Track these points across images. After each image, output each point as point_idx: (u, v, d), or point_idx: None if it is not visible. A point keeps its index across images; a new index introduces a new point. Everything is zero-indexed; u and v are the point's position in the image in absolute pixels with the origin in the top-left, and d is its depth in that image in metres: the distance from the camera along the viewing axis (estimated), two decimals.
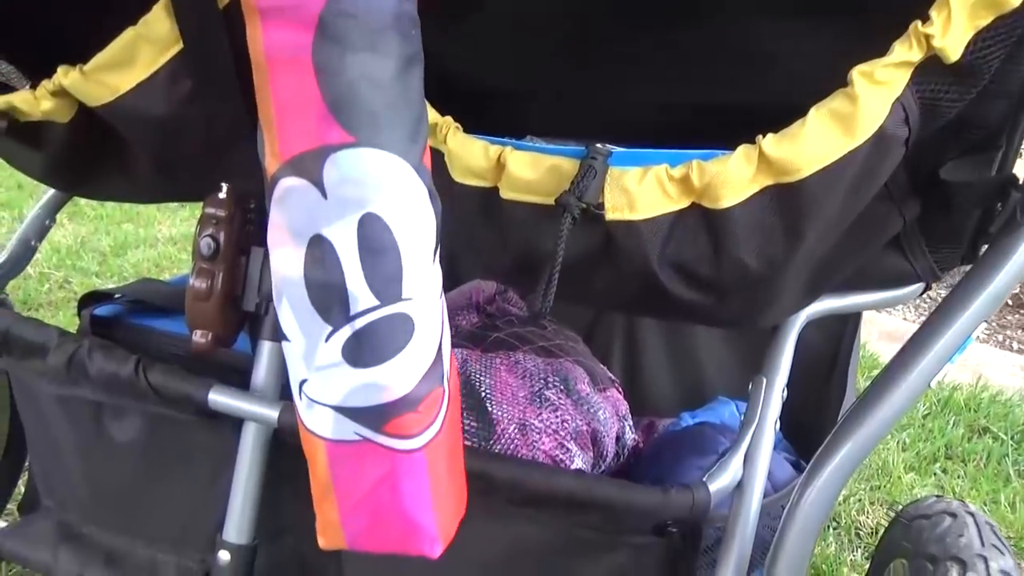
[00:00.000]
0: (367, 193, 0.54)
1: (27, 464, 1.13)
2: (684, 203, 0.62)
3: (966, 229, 0.69)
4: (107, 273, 2.32)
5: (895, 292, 0.75)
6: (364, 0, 0.52)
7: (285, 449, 0.78)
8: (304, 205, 0.55)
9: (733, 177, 0.60)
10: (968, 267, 0.70)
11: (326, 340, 0.56)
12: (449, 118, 0.70)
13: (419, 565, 0.63)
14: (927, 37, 0.56)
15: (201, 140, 0.71)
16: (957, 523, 0.79)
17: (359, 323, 0.56)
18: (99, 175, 0.81)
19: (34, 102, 0.71)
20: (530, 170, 0.65)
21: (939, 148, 0.64)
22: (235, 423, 0.78)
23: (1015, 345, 2.53)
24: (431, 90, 0.59)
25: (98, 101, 0.69)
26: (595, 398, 0.93)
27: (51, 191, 1.05)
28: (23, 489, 1.13)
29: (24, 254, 1.05)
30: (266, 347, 0.77)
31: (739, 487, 0.69)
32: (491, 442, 0.85)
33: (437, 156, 0.69)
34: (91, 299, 1.01)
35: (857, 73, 0.57)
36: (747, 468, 0.70)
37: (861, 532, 1.46)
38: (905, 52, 0.56)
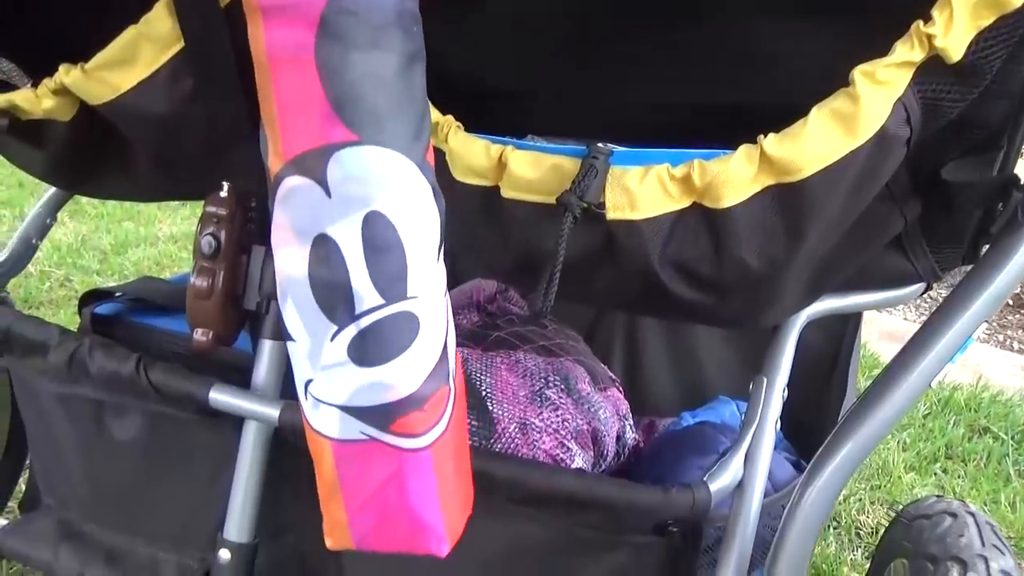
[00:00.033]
0: (371, 191, 0.54)
1: (28, 462, 1.13)
2: (685, 203, 0.62)
3: (967, 229, 0.69)
4: (108, 271, 2.32)
5: (896, 292, 0.75)
6: None
7: (286, 448, 0.78)
8: (308, 204, 0.55)
9: (734, 177, 0.60)
10: (969, 267, 0.70)
11: (331, 339, 0.56)
12: (450, 117, 0.70)
13: (420, 563, 0.63)
14: (929, 37, 0.56)
15: (202, 139, 0.71)
16: (957, 523, 0.79)
17: (364, 322, 0.55)
18: (100, 174, 0.81)
19: (35, 100, 0.71)
20: (531, 169, 0.65)
21: (941, 148, 0.64)
22: (236, 422, 0.77)
23: (1016, 345, 2.53)
24: (432, 89, 0.59)
25: (99, 99, 0.69)
26: (596, 397, 0.93)
27: (52, 189, 1.05)
28: (24, 487, 1.13)
29: (25, 252, 1.05)
30: (267, 346, 0.77)
31: (740, 487, 0.69)
32: (492, 441, 0.85)
33: (438, 155, 0.69)
34: (92, 297, 1.01)
35: (859, 73, 0.57)
36: (748, 468, 0.70)
37: (861, 532, 1.46)
38: (907, 52, 0.56)
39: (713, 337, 1.30)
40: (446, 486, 0.61)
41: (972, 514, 0.80)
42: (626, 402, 0.99)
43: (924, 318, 0.70)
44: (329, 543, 0.63)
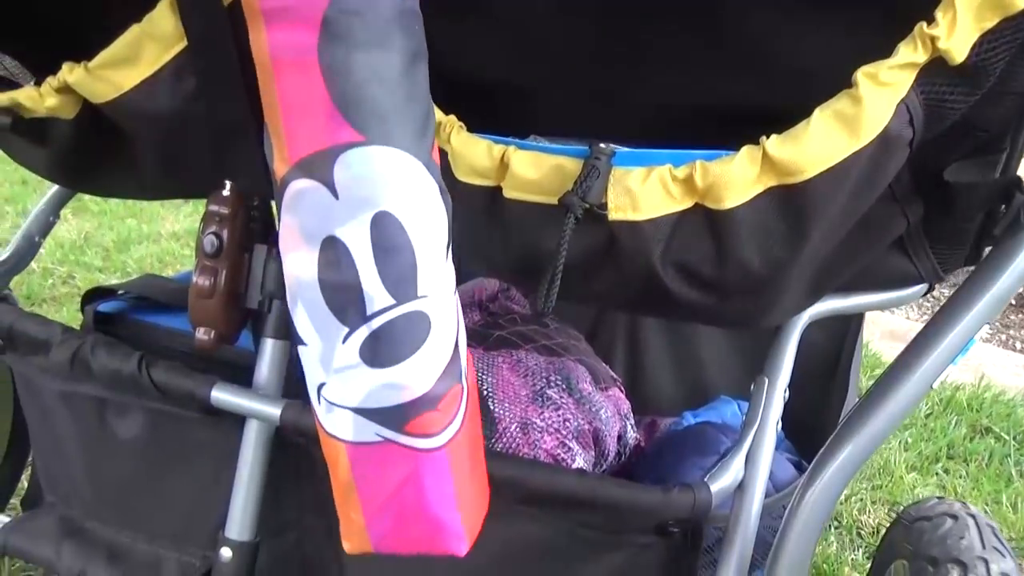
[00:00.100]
0: (379, 192, 0.54)
1: (30, 459, 1.13)
2: (687, 203, 0.62)
3: (970, 231, 0.69)
4: (111, 269, 2.32)
5: (898, 293, 0.75)
6: None
7: (287, 447, 0.78)
8: (316, 207, 0.54)
9: (737, 178, 0.60)
10: (972, 268, 0.70)
11: (343, 342, 0.56)
12: (453, 117, 0.70)
13: (421, 563, 0.63)
14: (932, 39, 0.56)
15: (205, 137, 0.71)
16: (958, 525, 0.79)
17: (376, 323, 0.55)
18: (103, 172, 0.81)
19: (38, 99, 0.71)
20: (533, 169, 0.65)
21: (943, 150, 0.64)
22: (238, 420, 0.78)
23: (1018, 345, 2.53)
24: (435, 89, 0.59)
25: (103, 98, 0.69)
26: (597, 397, 0.93)
27: (55, 187, 1.05)
28: (26, 484, 1.14)
29: (28, 250, 1.05)
30: (269, 344, 0.77)
31: (740, 487, 0.69)
32: (493, 441, 0.85)
33: (441, 155, 0.69)
34: (95, 295, 1.01)
35: (862, 74, 0.57)
36: (749, 468, 0.70)
37: (862, 532, 1.46)
38: (910, 54, 0.56)
39: (715, 337, 1.30)
40: (463, 485, 0.61)
41: (973, 516, 0.80)
42: (627, 402, 0.99)
43: (926, 318, 0.70)
44: (347, 547, 0.62)
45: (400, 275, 0.55)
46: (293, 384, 0.79)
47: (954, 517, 0.80)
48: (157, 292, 1.01)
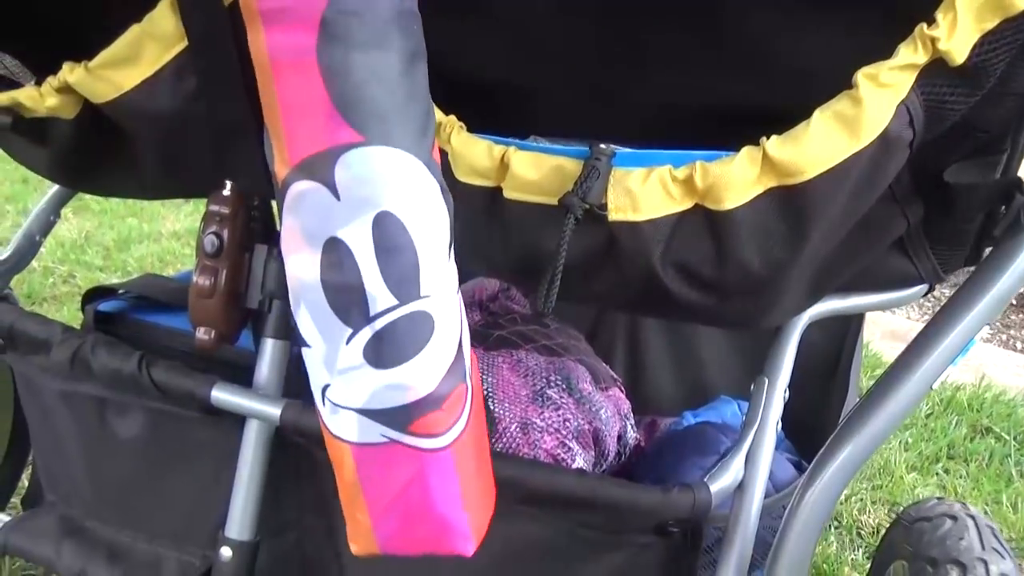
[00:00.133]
0: (380, 192, 0.54)
1: (31, 459, 1.13)
2: (687, 204, 0.62)
3: (970, 232, 0.69)
4: (111, 268, 2.32)
5: (898, 293, 0.75)
6: None
7: (287, 446, 0.78)
8: (317, 208, 0.54)
9: (737, 179, 0.60)
10: (972, 268, 0.70)
11: (347, 343, 0.56)
12: (453, 117, 0.70)
13: (422, 562, 0.63)
14: (932, 40, 0.56)
15: (206, 137, 0.71)
16: (958, 526, 0.79)
17: (379, 323, 0.55)
18: (104, 171, 0.81)
19: (39, 98, 0.71)
20: (534, 170, 0.65)
21: (944, 150, 0.64)
22: (238, 420, 0.78)
23: (1019, 345, 2.53)
24: (434, 89, 0.59)
25: (103, 98, 0.69)
26: (597, 397, 0.93)
27: (55, 187, 1.05)
28: (26, 483, 1.14)
29: (29, 249, 1.05)
30: (269, 344, 0.77)
31: (740, 487, 0.69)
32: (493, 441, 0.85)
33: (441, 155, 0.69)
34: (95, 294, 1.01)
35: (862, 75, 0.57)
36: (748, 468, 0.70)
37: (863, 532, 1.46)
38: (910, 55, 0.56)
39: (715, 337, 1.30)
40: (469, 484, 0.60)
41: (972, 517, 0.80)
42: (628, 401, 0.99)
43: (927, 317, 0.70)
44: (354, 549, 0.62)
45: (403, 275, 0.55)
46: (293, 384, 0.80)
47: (954, 518, 0.80)
48: (157, 291, 1.01)
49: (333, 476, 0.78)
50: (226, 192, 0.74)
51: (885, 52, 0.57)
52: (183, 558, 0.87)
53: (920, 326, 0.70)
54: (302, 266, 0.56)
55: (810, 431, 1.00)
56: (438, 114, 0.69)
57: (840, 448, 0.67)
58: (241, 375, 0.79)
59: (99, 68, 0.68)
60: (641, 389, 1.27)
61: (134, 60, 0.67)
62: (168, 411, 0.83)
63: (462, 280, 1.02)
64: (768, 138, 0.59)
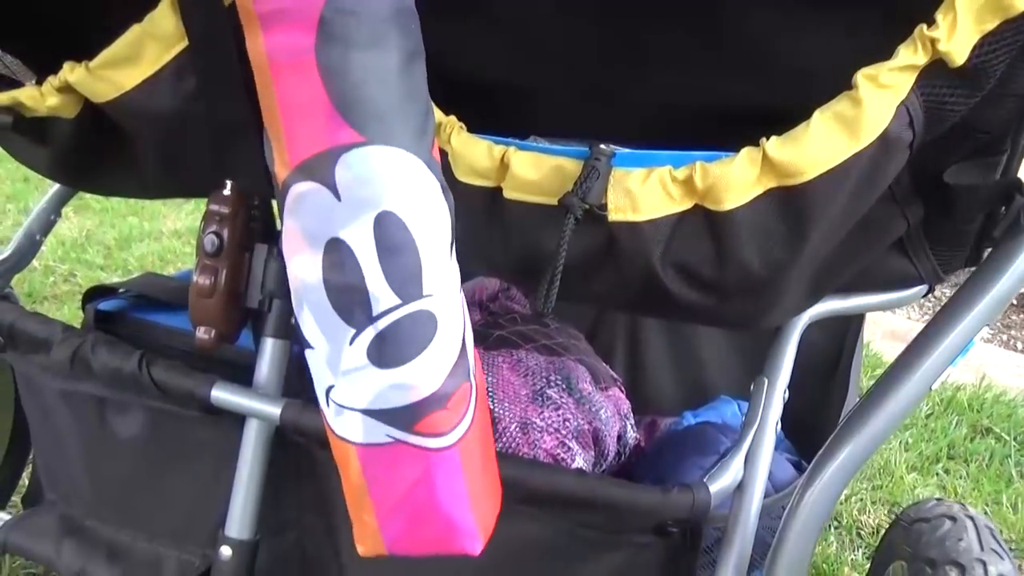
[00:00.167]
0: (381, 191, 0.54)
1: (31, 457, 1.14)
2: (687, 204, 0.62)
3: (970, 232, 0.69)
4: (112, 266, 2.32)
5: (898, 294, 0.75)
6: None
7: (287, 446, 0.79)
8: (318, 209, 0.54)
9: (736, 179, 0.60)
10: (972, 268, 0.70)
11: (350, 343, 0.56)
12: (453, 117, 0.70)
13: (422, 562, 0.63)
14: (932, 41, 0.56)
15: (206, 137, 0.71)
16: (957, 527, 0.79)
17: (382, 323, 0.55)
18: (104, 171, 0.81)
19: (39, 98, 0.71)
20: (534, 170, 0.65)
21: (943, 151, 0.64)
22: (238, 419, 0.78)
23: (1019, 345, 2.53)
24: (435, 90, 0.59)
25: (103, 97, 0.69)
26: (597, 397, 0.93)
27: (56, 186, 1.05)
28: (27, 482, 1.14)
29: (29, 248, 1.05)
30: (269, 344, 0.78)
31: (740, 487, 0.69)
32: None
33: (441, 155, 0.69)
34: (96, 294, 1.01)
35: (862, 76, 0.57)
36: (748, 469, 0.70)
37: (862, 532, 1.46)
38: (910, 56, 0.56)
39: (715, 337, 1.30)
40: (475, 483, 0.60)
41: (971, 518, 0.80)
42: (628, 401, 0.99)
43: (928, 318, 0.70)
44: (361, 550, 0.62)
45: (405, 275, 0.55)
46: (293, 383, 0.80)
47: (952, 519, 0.80)
48: (158, 291, 1.01)
49: (333, 475, 0.79)
50: (226, 192, 0.74)
51: (885, 53, 0.57)
52: (183, 557, 0.87)
53: (921, 326, 0.70)
54: (304, 267, 0.56)
55: (810, 431, 1.00)
56: (438, 114, 0.70)
57: (840, 448, 0.67)
58: (241, 374, 0.79)
59: (100, 68, 0.68)
60: (641, 389, 1.27)
61: (135, 60, 0.67)
62: (168, 410, 0.83)
63: (462, 280, 1.02)
64: (768, 139, 0.59)
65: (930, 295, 0.75)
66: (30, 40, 0.85)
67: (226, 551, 0.78)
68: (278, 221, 0.59)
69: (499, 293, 1.13)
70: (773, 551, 0.68)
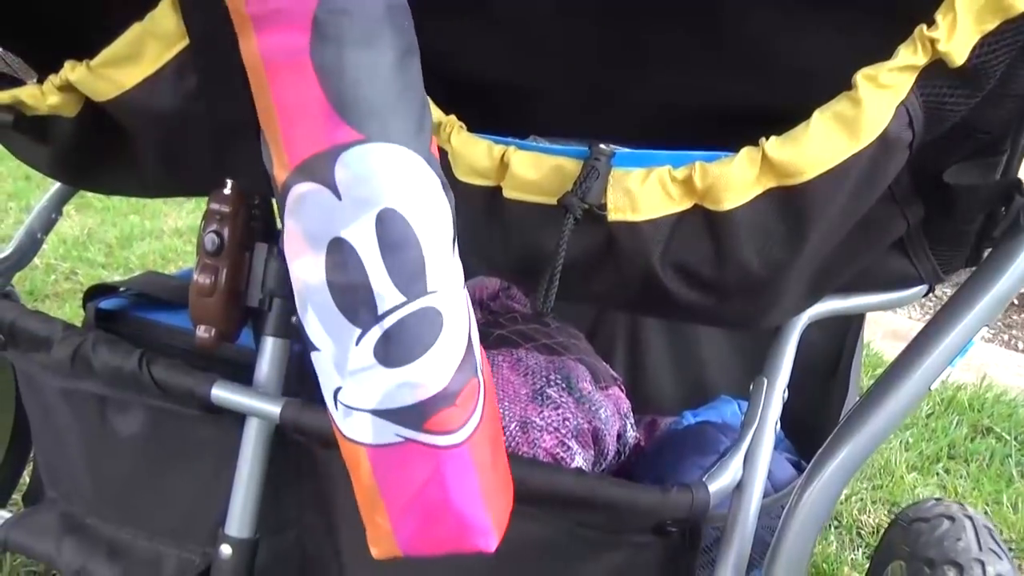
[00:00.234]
0: (381, 189, 0.54)
1: (32, 455, 1.14)
2: (686, 204, 0.62)
3: (970, 233, 0.69)
4: (113, 265, 2.32)
5: (898, 294, 0.75)
6: None
7: (287, 444, 0.79)
8: (319, 209, 0.54)
9: (736, 179, 0.60)
10: (972, 268, 0.70)
11: (356, 343, 0.56)
12: (453, 117, 0.70)
13: (423, 561, 0.63)
14: (932, 41, 0.56)
15: (207, 136, 0.72)
16: (955, 526, 0.79)
17: (388, 322, 0.55)
18: (105, 170, 0.81)
19: (40, 96, 0.71)
20: (533, 170, 0.65)
21: (943, 152, 0.64)
22: (238, 418, 0.78)
23: (1020, 345, 2.53)
24: (435, 89, 0.59)
25: (104, 96, 0.69)
26: (597, 396, 0.93)
27: (57, 185, 1.05)
28: (28, 480, 1.14)
29: (30, 247, 1.05)
30: (269, 343, 0.78)
31: (739, 487, 0.69)
32: None
33: (441, 155, 0.69)
34: (97, 292, 1.02)
35: (861, 76, 0.57)
36: (747, 468, 0.70)
37: (862, 531, 1.46)
38: (910, 56, 0.56)
39: (715, 336, 1.30)
40: (487, 479, 0.60)
41: (970, 517, 0.80)
42: (627, 401, 0.99)
43: (929, 317, 0.70)
44: (375, 552, 0.61)
45: (409, 272, 0.55)
46: (293, 382, 0.80)
47: (951, 519, 0.80)
48: (158, 289, 1.02)
49: (333, 474, 0.79)
50: (227, 191, 0.74)
51: (885, 53, 0.57)
52: (183, 555, 0.87)
53: (921, 326, 0.70)
54: (307, 269, 0.56)
55: (810, 431, 1.00)
56: (439, 114, 0.70)
57: (839, 447, 0.67)
58: (241, 373, 0.79)
59: (100, 66, 0.68)
60: (641, 388, 1.27)
61: (135, 58, 0.67)
62: (168, 409, 0.83)
63: (464, 278, 1.03)
64: (767, 139, 0.59)
65: (931, 295, 0.75)
66: (31, 39, 0.86)
67: (226, 549, 0.78)
68: (278, 220, 0.59)
69: (500, 292, 1.13)
70: (772, 550, 0.68)
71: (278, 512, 0.82)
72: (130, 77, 0.68)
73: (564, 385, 0.91)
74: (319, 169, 0.53)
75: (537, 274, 0.64)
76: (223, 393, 0.77)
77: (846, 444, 0.67)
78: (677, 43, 0.72)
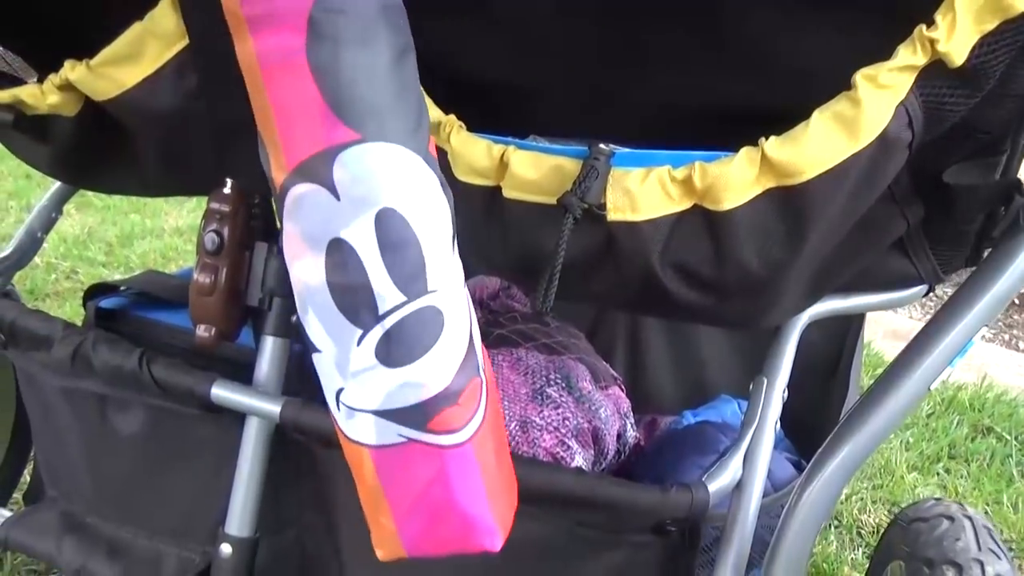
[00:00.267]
0: (380, 189, 0.54)
1: (32, 454, 1.14)
2: (686, 204, 0.62)
3: (970, 232, 0.69)
4: (114, 264, 2.32)
5: (898, 294, 0.75)
6: None
7: (287, 444, 0.79)
8: (318, 210, 0.54)
9: (735, 179, 0.60)
10: (972, 268, 0.70)
11: (358, 344, 0.55)
12: (452, 117, 0.70)
13: (423, 561, 0.63)
14: (932, 41, 0.56)
15: (206, 135, 0.72)
16: (954, 526, 0.79)
17: (389, 322, 0.55)
18: (105, 169, 0.81)
19: (40, 96, 0.71)
20: (533, 170, 0.65)
21: (943, 152, 0.64)
22: (238, 417, 0.78)
23: (1021, 345, 2.53)
24: (434, 89, 0.59)
25: (104, 95, 0.69)
26: (597, 395, 0.93)
27: (58, 184, 1.05)
28: (28, 479, 1.14)
29: (31, 246, 1.05)
30: (269, 342, 0.78)
31: (738, 487, 0.69)
32: None
33: (441, 154, 0.69)
34: (97, 291, 1.02)
35: (861, 76, 0.57)
36: (747, 468, 0.70)
37: (863, 531, 1.46)
38: (909, 56, 0.56)
39: (715, 336, 1.30)
40: (491, 478, 0.60)
41: (969, 517, 0.80)
42: (627, 400, 0.99)
43: (929, 317, 0.70)
44: (380, 554, 0.61)
45: (409, 271, 0.55)
46: (293, 381, 0.80)
47: (950, 518, 0.80)
48: (159, 288, 1.02)
49: (333, 473, 0.79)
50: (227, 190, 0.74)
51: (884, 53, 0.57)
52: (183, 554, 0.87)
53: (922, 326, 0.70)
54: (307, 270, 0.56)
55: (810, 431, 1.00)
56: (438, 113, 0.70)
57: (839, 447, 0.67)
58: (241, 372, 0.79)
59: (101, 66, 0.68)
60: (641, 388, 1.27)
61: (135, 58, 0.67)
62: (168, 408, 0.83)
63: (464, 277, 1.02)
64: (767, 139, 0.59)
65: (931, 294, 0.75)
66: (31, 38, 0.86)
67: (226, 548, 0.78)
68: (278, 219, 0.59)
69: (500, 292, 1.13)
70: (772, 550, 0.68)
71: (278, 511, 0.82)
72: (130, 76, 0.68)
73: (564, 384, 0.91)
74: (317, 170, 0.53)
75: (537, 273, 0.64)
76: (223, 392, 0.77)
77: (846, 443, 0.67)
78: (677, 43, 0.72)
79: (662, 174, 0.62)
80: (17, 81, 0.84)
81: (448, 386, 0.56)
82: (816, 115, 0.58)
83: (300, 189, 0.54)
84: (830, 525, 1.45)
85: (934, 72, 0.57)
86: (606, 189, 0.62)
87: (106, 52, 0.68)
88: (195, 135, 0.72)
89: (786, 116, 0.59)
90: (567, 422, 0.88)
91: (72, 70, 0.69)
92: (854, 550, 1.40)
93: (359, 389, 0.57)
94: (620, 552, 0.73)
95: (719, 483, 0.69)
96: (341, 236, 0.54)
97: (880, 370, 0.76)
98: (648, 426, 1.19)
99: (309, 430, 0.74)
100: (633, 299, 0.69)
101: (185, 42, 0.67)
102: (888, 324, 2.39)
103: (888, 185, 0.64)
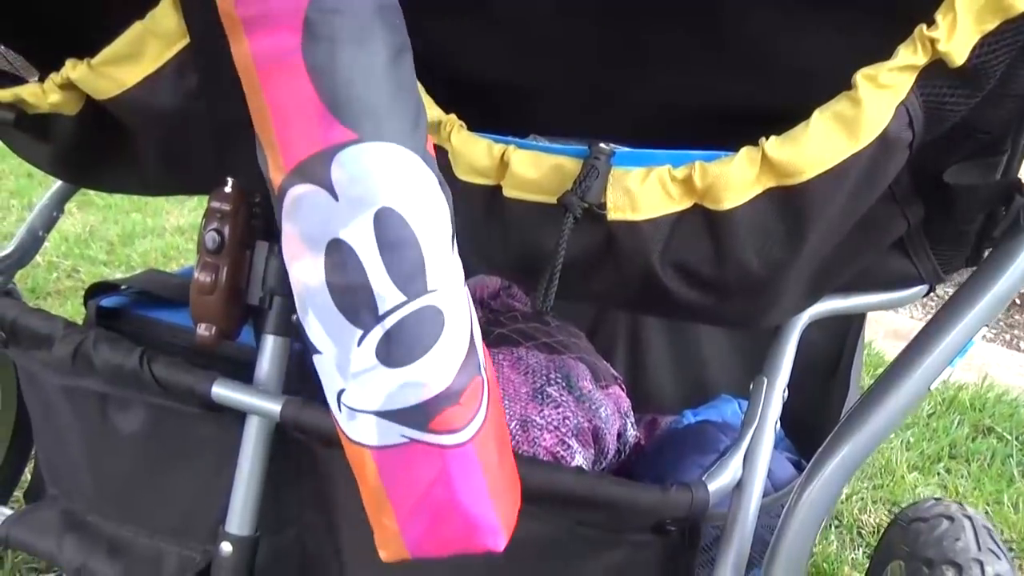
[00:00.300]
0: (378, 188, 0.54)
1: (33, 452, 1.14)
2: (686, 204, 0.62)
3: (970, 232, 0.69)
4: (115, 262, 2.32)
5: (898, 294, 0.75)
6: None
7: (288, 443, 0.79)
8: (316, 211, 0.54)
9: (735, 179, 0.60)
10: (973, 268, 0.70)
11: (358, 344, 0.55)
12: (453, 116, 0.70)
13: (423, 560, 0.63)
14: (932, 41, 0.56)
15: (207, 134, 0.72)
16: (954, 526, 0.79)
17: (389, 322, 0.55)
18: (106, 168, 0.81)
19: (42, 95, 0.72)
20: (533, 169, 0.65)
21: (944, 152, 0.64)
22: (238, 416, 0.78)
23: (1022, 345, 2.52)
24: (435, 89, 0.59)
25: (105, 94, 0.69)
26: (597, 395, 0.93)
27: (59, 183, 1.05)
28: (29, 477, 1.14)
29: (32, 245, 1.05)
30: (269, 341, 0.78)
31: (739, 486, 0.69)
32: None
33: (441, 154, 0.69)
34: (98, 290, 1.02)
35: (861, 76, 0.57)
36: (747, 468, 0.70)
37: (863, 531, 1.46)
38: (910, 56, 0.56)
39: (716, 335, 1.30)
40: (493, 478, 0.59)
41: (969, 517, 0.80)
42: (628, 400, 0.99)
43: (930, 317, 0.70)
44: (383, 555, 0.61)
45: (408, 271, 0.55)
46: (294, 380, 0.80)
47: (950, 518, 0.80)
48: (159, 287, 1.02)
49: (333, 473, 0.79)
50: (227, 189, 0.74)
51: (885, 53, 0.57)
52: (184, 553, 0.87)
53: (922, 326, 0.70)
54: (306, 271, 0.56)
55: (810, 430, 1.00)
56: (439, 113, 0.70)
57: (839, 446, 0.67)
58: (242, 371, 0.79)
59: (101, 65, 0.68)
60: (642, 387, 1.27)
61: (136, 57, 0.67)
62: (169, 407, 0.83)
63: (464, 276, 1.02)
64: (767, 138, 0.59)
65: (932, 294, 0.75)
66: (33, 37, 0.86)
67: (226, 547, 0.78)
68: (277, 220, 0.59)
69: (500, 291, 1.13)
70: (772, 549, 0.68)
71: (278, 510, 0.82)
72: (131, 75, 0.68)
73: (564, 384, 0.91)
74: (315, 170, 0.53)
75: (537, 273, 0.65)
76: (223, 391, 0.77)
77: (846, 443, 0.67)
78: (677, 43, 0.72)
79: (662, 174, 0.62)
80: (18, 80, 0.85)
81: (449, 386, 0.56)
82: (816, 115, 0.58)
83: (298, 190, 0.54)
84: (830, 525, 1.45)
85: (934, 72, 0.57)
86: (606, 188, 0.62)
87: (107, 51, 0.68)
88: (195, 134, 0.72)
89: (786, 116, 0.59)
90: (567, 421, 0.88)
91: (73, 69, 0.69)
92: (854, 550, 1.40)
93: (360, 390, 0.57)
94: (620, 551, 0.73)
95: (719, 483, 0.69)
96: (340, 236, 0.54)
97: (881, 370, 0.76)
98: (648, 425, 1.19)
99: (309, 429, 0.74)
100: (633, 298, 0.69)
101: (186, 41, 0.67)
102: (889, 324, 2.39)
103: (888, 185, 0.64)
